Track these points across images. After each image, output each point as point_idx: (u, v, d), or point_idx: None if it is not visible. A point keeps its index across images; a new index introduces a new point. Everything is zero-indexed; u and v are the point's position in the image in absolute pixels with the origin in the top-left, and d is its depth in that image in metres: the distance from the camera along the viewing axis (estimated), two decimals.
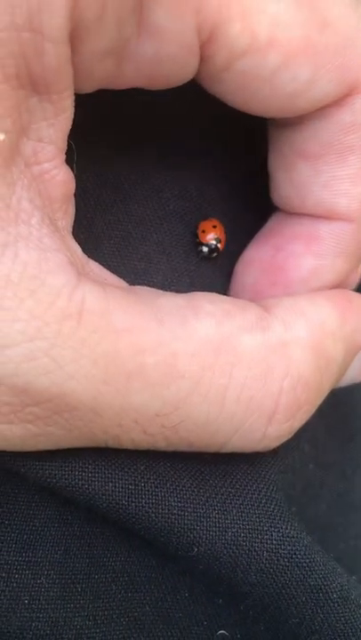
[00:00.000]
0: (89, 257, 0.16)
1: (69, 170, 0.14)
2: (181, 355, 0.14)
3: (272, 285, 0.18)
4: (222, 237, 0.19)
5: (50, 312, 0.13)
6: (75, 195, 0.15)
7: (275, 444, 0.16)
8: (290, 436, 0.16)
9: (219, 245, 0.19)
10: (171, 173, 0.19)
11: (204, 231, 0.19)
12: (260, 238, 0.19)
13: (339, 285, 0.18)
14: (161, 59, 0.14)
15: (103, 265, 0.16)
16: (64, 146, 0.14)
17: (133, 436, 0.15)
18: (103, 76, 0.14)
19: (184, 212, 0.19)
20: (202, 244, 0.19)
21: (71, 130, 0.14)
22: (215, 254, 0.19)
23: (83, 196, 0.18)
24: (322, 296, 0.17)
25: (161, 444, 0.15)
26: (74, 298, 0.13)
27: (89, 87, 0.14)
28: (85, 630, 0.17)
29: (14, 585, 0.17)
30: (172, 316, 0.15)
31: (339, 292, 0.18)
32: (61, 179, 0.14)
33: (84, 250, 0.16)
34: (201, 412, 0.15)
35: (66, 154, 0.14)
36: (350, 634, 0.17)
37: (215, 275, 0.19)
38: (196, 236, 0.19)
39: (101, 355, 0.14)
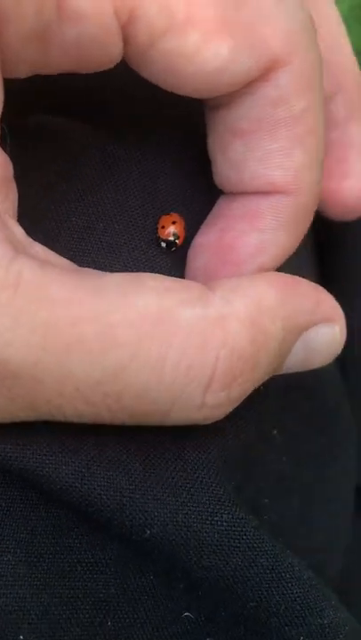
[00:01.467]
0: (49, 247, 0.17)
1: (3, 153, 0.16)
2: (119, 325, 0.15)
3: (223, 265, 0.19)
4: (181, 233, 0.20)
5: None
6: (20, 182, 0.16)
7: (215, 413, 0.17)
8: (229, 409, 0.17)
9: (177, 241, 0.20)
10: (135, 166, 0.20)
11: (163, 227, 0.19)
12: (208, 222, 0.20)
13: (285, 257, 0.19)
14: (84, 42, 0.15)
15: (63, 254, 0.17)
16: None
17: (77, 406, 0.16)
18: (31, 60, 0.15)
19: (146, 205, 0.20)
20: (160, 240, 0.20)
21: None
22: (173, 248, 0.20)
23: (45, 188, 0.19)
24: (262, 277, 0.18)
25: (105, 415, 0.16)
26: (10, 269, 0.14)
27: (22, 72, 0.16)
28: (52, 608, 0.18)
29: None
30: (113, 290, 0.16)
31: (282, 275, 0.18)
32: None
33: (44, 240, 0.17)
34: (141, 379, 0.15)
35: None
36: (307, 614, 0.18)
37: (175, 265, 0.20)
38: (156, 230, 0.20)
39: (39, 324, 0.14)
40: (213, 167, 0.20)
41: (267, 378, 0.18)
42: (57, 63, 0.16)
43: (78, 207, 0.19)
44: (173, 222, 0.20)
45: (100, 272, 0.17)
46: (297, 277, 0.18)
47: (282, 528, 0.21)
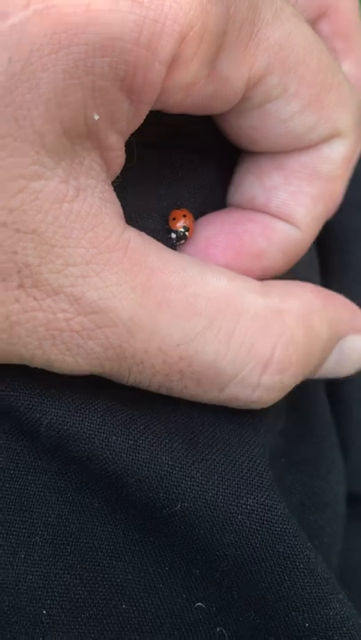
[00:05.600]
0: None
1: (124, 157, 0.18)
2: (200, 297, 0.18)
3: (226, 248, 0.21)
4: (191, 226, 0.21)
5: (104, 244, 0.17)
6: None
7: (266, 397, 0.19)
8: (279, 395, 0.20)
9: (187, 233, 0.21)
10: (161, 154, 0.22)
11: (174, 219, 0.21)
12: (222, 211, 0.22)
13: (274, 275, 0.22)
14: (215, 97, 0.18)
15: None
16: (125, 140, 0.18)
17: (155, 363, 0.18)
18: (170, 101, 0.18)
19: (161, 203, 0.21)
20: (171, 231, 0.21)
21: None
22: (183, 241, 0.21)
23: None
24: (306, 286, 0.21)
25: (174, 378, 0.18)
26: (122, 237, 0.17)
27: (157, 107, 0.18)
28: (72, 587, 0.19)
29: (12, 541, 0.19)
30: (194, 268, 0.19)
31: (321, 287, 0.21)
32: (119, 162, 0.18)
33: None
34: (211, 348, 0.18)
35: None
36: (314, 603, 0.19)
37: None
38: (167, 222, 0.21)
39: (139, 284, 0.17)
40: (238, 182, 0.22)
41: (309, 375, 0.21)
42: (181, 108, 0.18)
43: None
44: (184, 215, 0.21)
45: (179, 252, 0.19)
46: (333, 292, 0.21)
47: None
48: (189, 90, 0.17)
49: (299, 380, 0.20)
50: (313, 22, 0.22)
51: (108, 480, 0.19)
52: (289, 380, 0.19)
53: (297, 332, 0.19)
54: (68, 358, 0.17)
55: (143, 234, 0.18)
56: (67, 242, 0.16)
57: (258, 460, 0.20)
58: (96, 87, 0.15)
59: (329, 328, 0.20)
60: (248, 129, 0.20)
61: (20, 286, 0.16)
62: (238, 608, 0.19)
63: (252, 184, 0.22)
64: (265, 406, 0.20)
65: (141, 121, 0.17)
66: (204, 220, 0.22)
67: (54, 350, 0.17)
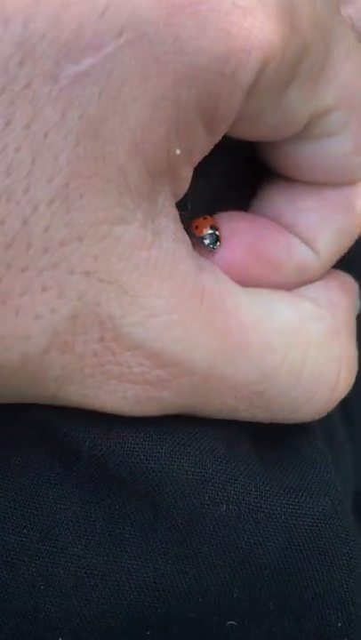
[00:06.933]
0: None
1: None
2: (273, 332, 0.18)
3: (249, 246, 0.20)
4: (218, 227, 0.20)
5: (183, 291, 0.16)
6: None
7: (325, 412, 0.20)
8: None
9: (217, 233, 0.20)
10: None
11: (197, 227, 0.20)
12: (247, 213, 0.21)
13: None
14: (277, 127, 0.18)
15: None
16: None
17: (226, 401, 0.18)
18: (237, 129, 0.17)
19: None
20: (202, 238, 0.19)
21: None
22: (218, 244, 0.19)
23: None
24: (334, 282, 0.21)
25: (243, 408, 0.18)
26: (198, 282, 0.17)
27: (230, 133, 0.17)
28: (93, 620, 0.19)
29: (33, 570, 0.18)
30: (263, 301, 0.18)
31: (338, 277, 0.21)
32: (183, 193, 0.17)
33: None
34: (284, 382, 0.18)
35: None
36: (350, 603, 0.19)
37: None
38: (193, 235, 0.19)
39: (218, 330, 0.17)
40: (265, 197, 0.21)
41: None
42: (244, 135, 0.18)
43: None
44: (204, 218, 0.20)
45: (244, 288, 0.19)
46: (344, 276, 0.21)
47: None
48: (256, 120, 0.17)
49: None
50: None
51: (148, 497, 0.19)
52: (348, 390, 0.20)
53: (350, 347, 0.20)
54: (136, 408, 0.17)
55: (214, 273, 0.18)
56: (148, 292, 0.16)
57: (301, 464, 0.20)
58: (181, 120, 0.15)
59: (355, 319, 0.21)
60: (296, 159, 0.20)
61: (101, 340, 0.16)
62: (273, 618, 0.19)
63: (282, 202, 0.21)
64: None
65: (210, 150, 0.17)
66: (228, 213, 0.21)
67: (123, 402, 0.17)
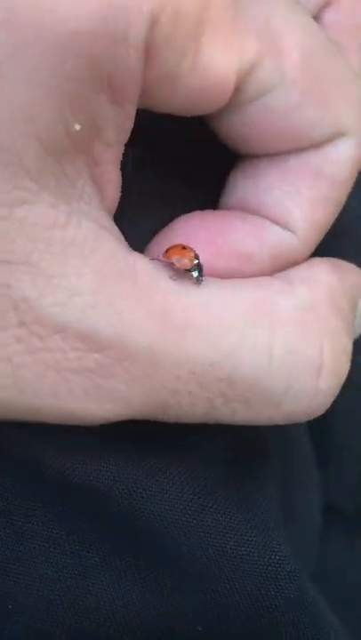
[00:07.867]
0: None
1: (120, 175, 0.16)
2: (226, 312, 0.17)
3: (206, 244, 0.19)
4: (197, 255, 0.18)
5: (110, 269, 0.15)
6: None
7: (328, 400, 0.18)
8: (339, 389, 0.18)
9: (200, 262, 0.18)
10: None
11: (179, 259, 0.18)
12: (206, 210, 0.20)
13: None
14: (204, 92, 0.16)
15: None
16: (121, 153, 0.16)
17: (192, 389, 0.16)
18: (155, 97, 0.16)
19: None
20: (188, 270, 0.17)
21: None
22: (203, 277, 0.18)
23: None
24: (320, 262, 0.19)
25: (218, 402, 0.17)
26: (128, 260, 0.16)
27: (142, 105, 0.16)
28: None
29: (1, 589, 0.18)
30: (211, 284, 0.17)
31: (330, 259, 0.20)
32: (113, 184, 0.16)
33: None
34: (250, 363, 0.17)
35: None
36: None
37: None
38: (173, 264, 0.18)
39: (154, 309, 0.16)
40: (229, 187, 0.20)
41: None
42: (169, 106, 0.17)
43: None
44: (183, 248, 0.18)
45: None
46: (339, 261, 0.20)
47: None
48: (174, 84, 0.16)
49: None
50: (317, 12, 0.21)
51: (119, 523, 0.18)
52: (346, 372, 0.18)
53: (335, 323, 0.18)
54: (90, 404, 0.16)
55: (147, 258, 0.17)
56: (66, 271, 0.15)
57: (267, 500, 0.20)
58: (72, 92, 0.14)
59: (349, 300, 0.19)
60: (242, 126, 0.18)
61: (21, 324, 0.15)
62: None
63: (246, 186, 0.20)
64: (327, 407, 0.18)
65: (130, 126, 0.16)
66: (182, 217, 0.19)
67: (71, 397, 0.16)
